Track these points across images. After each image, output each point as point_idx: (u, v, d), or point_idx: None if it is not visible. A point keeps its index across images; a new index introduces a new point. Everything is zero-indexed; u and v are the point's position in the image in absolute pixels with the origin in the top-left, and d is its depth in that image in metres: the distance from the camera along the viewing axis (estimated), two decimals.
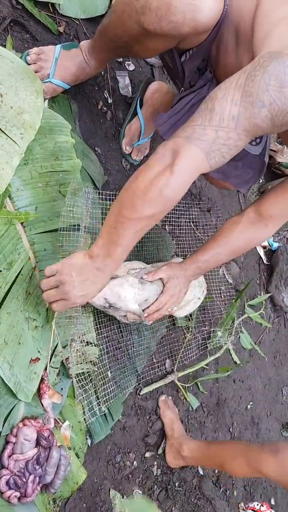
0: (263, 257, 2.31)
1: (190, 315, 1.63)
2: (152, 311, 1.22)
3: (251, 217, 1.21)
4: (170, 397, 1.53)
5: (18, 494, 0.96)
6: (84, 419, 1.17)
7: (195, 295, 1.46)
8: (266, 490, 1.89)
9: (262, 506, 1.17)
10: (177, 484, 1.47)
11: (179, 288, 1.25)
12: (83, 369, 1.16)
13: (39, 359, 1.03)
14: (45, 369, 1.06)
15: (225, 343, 1.77)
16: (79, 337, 1.15)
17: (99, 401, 1.21)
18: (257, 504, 1.18)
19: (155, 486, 1.40)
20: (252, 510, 1.16)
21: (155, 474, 1.42)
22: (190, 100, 1.14)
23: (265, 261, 2.32)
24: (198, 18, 0.91)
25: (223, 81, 0.84)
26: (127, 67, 1.61)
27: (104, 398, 1.22)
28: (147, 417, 1.43)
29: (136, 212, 0.85)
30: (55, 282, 0.93)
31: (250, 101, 0.79)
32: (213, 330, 1.77)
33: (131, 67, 1.62)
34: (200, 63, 1.12)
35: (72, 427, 1.14)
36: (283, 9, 0.85)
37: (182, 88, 1.14)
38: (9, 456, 0.97)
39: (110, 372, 1.28)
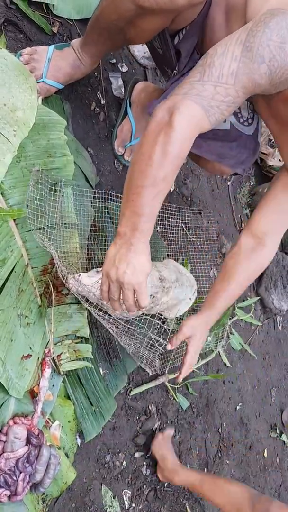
0: None
1: (181, 317, 1.63)
2: (185, 373, 1.20)
3: (247, 244, 1.18)
4: (171, 432, 1.51)
5: (8, 492, 0.95)
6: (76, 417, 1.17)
7: (186, 295, 1.46)
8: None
9: None
10: (166, 484, 1.47)
11: (201, 343, 1.22)
12: (76, 366, 1.16)
13: (31, 355, 1.03)
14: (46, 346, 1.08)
15: (215, 347, 1.78)
16: (72, 333, 1.15)
17: (90, 400, 1.21)
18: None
19: (144, 486, 1.40)
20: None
21: (144, 474, 1.42)
22: None
23: None
24: None
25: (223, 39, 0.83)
26: (120, 68, 1.62)
27: (94, 397, 1.22)
28: (137, 418, 1.44)
29: (147, 178, 0.82)
30: (111, 284, 0.90)
31: (250, 56, 0.78)
32: None
33: (124, 69, 1.63)
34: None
35: (62, 427, 1.14)
36: None
37: (175, 71, 1.14)
38: (0, 455, 0.96)
39: (102, 370, 1.28)
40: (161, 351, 1.22)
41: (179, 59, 1.12)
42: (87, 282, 1.09)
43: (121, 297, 0.92)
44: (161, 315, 1.48)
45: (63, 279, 1.09)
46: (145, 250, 0.88)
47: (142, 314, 1.30)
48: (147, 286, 1.18)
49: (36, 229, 1.04)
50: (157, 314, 1.47)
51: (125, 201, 0.86)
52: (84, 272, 1.16)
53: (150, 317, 1.41)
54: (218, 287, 1.21)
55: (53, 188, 1.11)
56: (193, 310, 1.71)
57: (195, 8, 0.99)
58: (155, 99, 1.15)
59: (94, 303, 1.14)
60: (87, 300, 1.13)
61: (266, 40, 0.77)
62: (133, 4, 0.97)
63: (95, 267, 1.25)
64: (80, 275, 1.09)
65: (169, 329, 1.61)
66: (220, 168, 1.28)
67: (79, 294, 1.12)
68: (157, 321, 1.21)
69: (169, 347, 1.16)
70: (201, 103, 0.81)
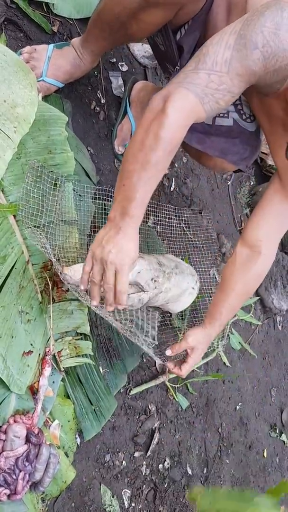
0: None
1: (182, 315, 1.62)
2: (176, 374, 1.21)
3: (243, 253, 1.16)
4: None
5: (8, 491, 0.95)
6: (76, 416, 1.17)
7: (189, 284, 1.41)
8: (254, 490, 1.89)
9: None
10: (165, 484, 1.47)
11: (201, 356, 1.24)
12: (76, 362, 1.16)
13: (32, 352, 1.03)
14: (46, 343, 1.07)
15: (217, 347, 1.77)
16: (73, 330, 1.15)
17: (89, 399, 1.21)
18: None
19: (144, 486, 1.40)
20: None
21: (144, 473, 1.41)
22: None
23: None
24: None
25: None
26: (120, 67, 1.62)
27: (94, 396, 1.22)
28: (137, 417, 1.43)
29: (138, 163, 0.82)
30: (95, 263, 0.89)
31: (243, 43, 0.79)
32: None
33: (124, 68, 1.63)
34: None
35: (62, 426, 1.14)
36: None
37: (177, 67, 1.14)
38: None
39: (102, 369, 1.28)
40: (155, 343, 1.23)
41: (181, 55, 1.11)
42: (79, 270, 1.07)
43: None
44: (167, 308, 1.47)
45: (58, 272, 1.08)
46: (133, 236, 0.87)
47: (145, 307, 1.29)
48: (147, 269, 1.17)
49: (34, 226, 1.04)
50: (161, 309, 1.47)
51: (117, 187, 0.87)
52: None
53: (155, 309, 1.41)
54: (218, 299, 1.20)
55: (54, 183, 1.11)
56: (194, 310, 1.71)
57: (198, 2, 0.99)
58: None
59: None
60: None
61: (260, 27, 0.77)
62: None
63: None
64: (71, 267, 1.09)
65: (174, 327, 1.60)
66: (222, 165, 1.28)
67: (75, 285, 1.11)
68: (157, 315, 1.21)
69: (168, 352, 1.16)
70: (194, 90, 0.81)
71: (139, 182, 0.83)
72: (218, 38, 0.82)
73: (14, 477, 0.96)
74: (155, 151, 0.82)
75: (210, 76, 0.81)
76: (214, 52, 0.81)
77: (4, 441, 0.96)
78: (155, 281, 1.23)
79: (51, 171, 1.11)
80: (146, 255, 1.20)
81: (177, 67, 1.14)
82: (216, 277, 1.94)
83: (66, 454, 1.14)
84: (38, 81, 1.20)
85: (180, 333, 1.63)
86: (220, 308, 1.20)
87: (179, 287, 1.37)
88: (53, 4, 1.36)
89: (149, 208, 1.51)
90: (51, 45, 1.25)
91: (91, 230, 1.28)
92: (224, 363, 1.87)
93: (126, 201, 0.85)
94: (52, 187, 1.11)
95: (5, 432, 0.97)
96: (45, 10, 1.37)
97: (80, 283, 0.95)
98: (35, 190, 1.05)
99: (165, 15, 1.03)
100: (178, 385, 1.60)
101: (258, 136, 1.26)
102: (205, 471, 1.65)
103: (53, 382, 1.11)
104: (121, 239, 0.86)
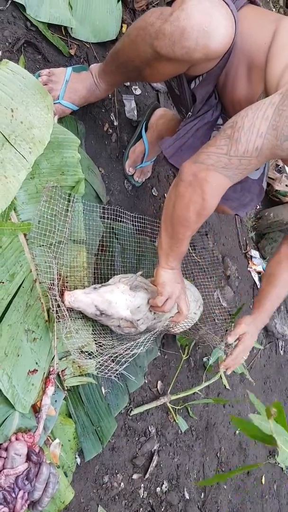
0: (258, 282, 2.34)
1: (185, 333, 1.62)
2: (229, 365, 1.35)
3: None
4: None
5: (6, 510, 0.94)
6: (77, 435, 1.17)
7: (191, 310, 1.44)
8: None
9: None
10: (162, 507, 1.45)
11: (252, 341, 1.37)
12: (79, 381, 1.16)
13: (37, 370, 1.03)
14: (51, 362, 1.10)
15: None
16: (80, 349, 1.15)
17: (91, 419, 1.20)
18: None
19: (141, 509, 1.38)
20: None
21: (141, 496, 1.40)
22: (195, 125, 1.17)
23: (259, 286, 2.34)
24: (210, 45, 0.94)
25: (247, 107, 0.89)
26: (133, 91, 1.65)
27: (96, 416, 1.21)
28: (136, 438, 1.42)
29: (186, 232, 1.05)
30: (170, 300, 1.18)
31: (274, 134, 0.84)
32: (206, 355, 1.78)
33: (138, 92, 1.66)
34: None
35: (62, 445, 1.13)
36: None
37: (190, 113, 1.18)
38: (0, 471, 0.95)
39: (104, 389, 1.27)
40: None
41: (194, 103, 1.15)
42: (83, 299, 1.13)
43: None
44: (168, 331, 1.48)
45: (56, 297, 1.10)
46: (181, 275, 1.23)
47: (146, 329, 1.30)
48: (147, 304, 1.25)
49: (43, 245, 1.05)
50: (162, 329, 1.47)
51: (169, 246, 1.11)
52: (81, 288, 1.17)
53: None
54: (266, 292, 1.37)
55: (66, 203, 1.13)
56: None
57: (210, 62, 1.02)
58: (168, 136, 1.19)
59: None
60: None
61: None
62: (151, 49, 1.00)
63: (100, 283, 1.26)
64: (72, 293, 1.12)
65: (179, 345, 1.60)
66: (223, 208, 1.36)
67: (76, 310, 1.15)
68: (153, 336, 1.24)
69: (230, 340, 1.33)
70: (227, 174, 0.93)
71: (186, 241, 1.10)
72: (250, 123, 0.87)
73: (13, 495, 0.95)
74: (198, 223, 1.04)
75: (241, 161, 0.90)
76: (246, 140, 0.88)
77: (5, 458, 0.96)
78: (154, 313, 1.26)
79: (65, 192, 1.13)
80: (152, 287, 1.23)
81: (189, 113, 1.18)
82: (220, 299, 1.94)
83: (65, 473, 1.13)
84: (54, 103, 1.23)
85: (184, 353, 1.63)
86: (271, 298, 1.36)
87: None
88: (71, 28, 1.40)
89: (156, 229, 1.53)
90: (70, 68, 1.28)
91: (98, 250, 1.30)
92: (225, 386, 1.87)
93: (181, 255, 1.14)
94: (65, 207, 1.13)
95: (6, 450, 0.96)
96: (63, 33, 1.40)
97: (153, 306, 1.21)
98: (48, 211, 1.07)
99: (177, 69, 1.06)
100: (178, 407, 1.59)
101: (260, 184, 1.31)
102: (202, 496, 1.63)
103: (56, 401, 1.10)
104: (181, 282, 1.20)
